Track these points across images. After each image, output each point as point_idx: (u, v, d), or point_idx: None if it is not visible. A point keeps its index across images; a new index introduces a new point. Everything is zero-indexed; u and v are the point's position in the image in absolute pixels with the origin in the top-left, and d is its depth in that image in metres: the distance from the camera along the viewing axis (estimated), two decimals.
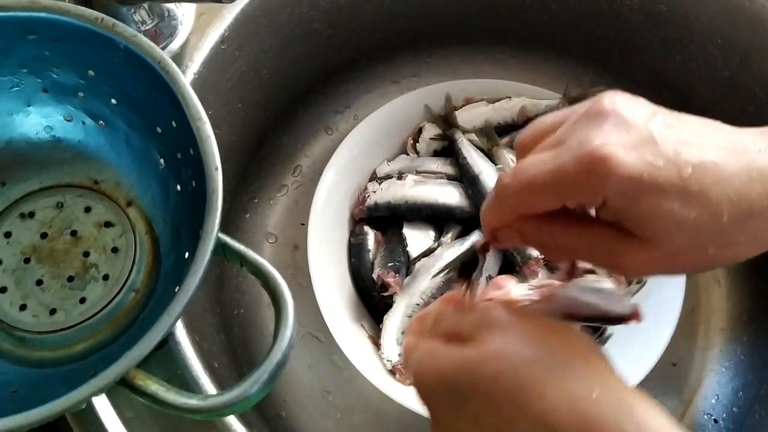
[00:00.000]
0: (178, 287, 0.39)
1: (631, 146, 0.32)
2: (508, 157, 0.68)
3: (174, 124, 0.46)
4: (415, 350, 0.37)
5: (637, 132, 0.33)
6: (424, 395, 0.36)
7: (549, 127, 0.36)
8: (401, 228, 0.68)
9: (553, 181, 0.33)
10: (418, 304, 0.60)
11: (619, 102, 0.34)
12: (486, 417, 0.33)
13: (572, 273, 0.41)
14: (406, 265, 0.65)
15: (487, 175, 0.67)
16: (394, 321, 0.62)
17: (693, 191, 0.32)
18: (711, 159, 0.33)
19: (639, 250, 0.33)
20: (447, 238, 0.66)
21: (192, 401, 0.38)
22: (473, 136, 0.71)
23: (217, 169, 0.42)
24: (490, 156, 0.70)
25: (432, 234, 0.67)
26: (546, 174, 0.33)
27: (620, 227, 0.33)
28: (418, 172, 0.70)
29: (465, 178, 0.68)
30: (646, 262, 0.34)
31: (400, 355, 0.58)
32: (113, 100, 0.51)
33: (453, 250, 0.65)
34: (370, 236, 0.68)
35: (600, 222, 0.34)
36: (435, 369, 0.35)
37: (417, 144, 0.73)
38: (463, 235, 0.68)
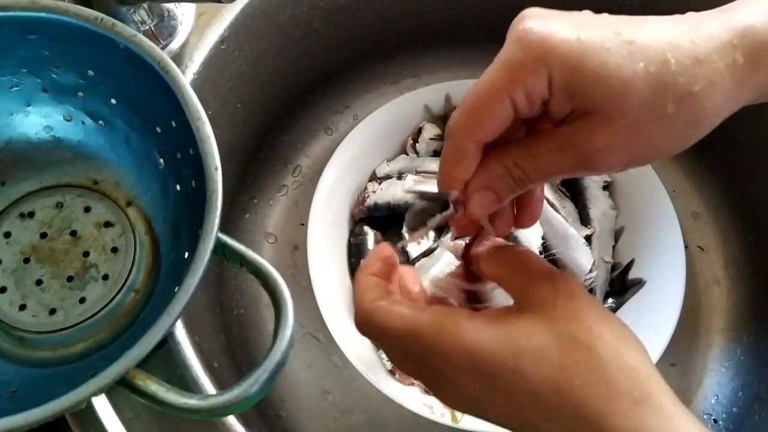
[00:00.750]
0: (177, 287, 0.39)
1: (561, 20, 0.32)
2: None
3: (174, 124, 0.46)
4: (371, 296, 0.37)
5: (564, 15, 0.33)
6: (441, 365, 0.35)
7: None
8: (401, 228, 0.68)
9: (496, 79, 0.33)
10: None
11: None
12: (518, 396, 0.33)
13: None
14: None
15: None
16: None
17: (634, 43, 0.31)
18: (643, 21, 0.33)
19: (603, 130, 0.32)
20: (447, 238, 0.66)
21: (192, 401, 0.38)
22: None
23: (216, 169, 0.42)
24: None
25: (432, 234, 0.67)
26: (486, 77, 0.33)
27: (576, 117, 0.32)
28: (417, 173, 0.70)
29: None
30: (614, 144, 0.32)
31: None
32: (113, 100, 0.51)
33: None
34: (370, 236, 0.68)
35: (558, 126, 0.34)
36: (472, 348, 0.34)
37: (417, 144, 0.73)
38: None
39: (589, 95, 0.31)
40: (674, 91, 0.31)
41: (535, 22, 0.32)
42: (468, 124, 0.34)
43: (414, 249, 0.66)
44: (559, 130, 0.33)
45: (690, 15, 0.33)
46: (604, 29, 0.32)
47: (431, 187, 0.67)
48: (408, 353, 0.36)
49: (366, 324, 0.37)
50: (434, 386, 0.36)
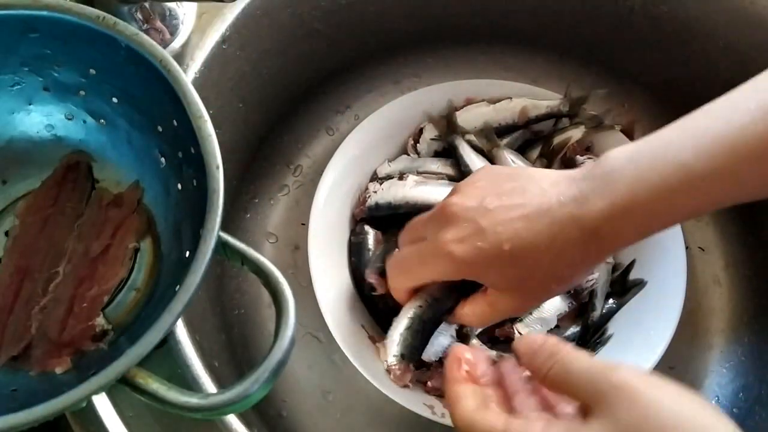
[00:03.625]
0: (178, 286, 0.39)
1: (464, 240, 0.49)
2: (509, 158, 0.68)
3: (175, 122, 0.47)
4: None
5: (469, 227, 0.49)
6: None
7: None
8: (402, 228, 0.68)
9: (423, 272, 0.54)
10: (420, 306, 0.60)
11: (456, 204, 0.50)
12: None
13: None
14: None
15: None
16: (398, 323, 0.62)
17: (510, 257, 0.47)
18: (520, 229, 0.47)
19: (487, 296, 0.52)
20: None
21: (193, 400, 0.38)
22: (473, 137, 0.71)
23: (218, 167, 0.42)
24: (490, 157, 0.70)
25: None
26: (416, 271, 0.54)
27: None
28: (419, 173, 0.70)
29: None
30: (488, 303, 0.53)
31: (395, 356, 0.59)
32: (114, 99, 0.51)
33: None
34: (371, 236, 0.67)
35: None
36: None
37: (418, 144, 0.73)
38: None
39: (485, 282, 0.52)
40: (539, 280, 0.50)
41: (450, 236, 0.50)
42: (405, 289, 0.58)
43: None
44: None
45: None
46: (493, 248, 0.48)
47: (431, 188, 0.67)
48: None
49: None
50: None
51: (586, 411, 0.36)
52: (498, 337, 0.65)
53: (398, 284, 0.57)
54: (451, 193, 0.53)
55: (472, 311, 0.54)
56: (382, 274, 0.62)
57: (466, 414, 0.40)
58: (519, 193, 0.49)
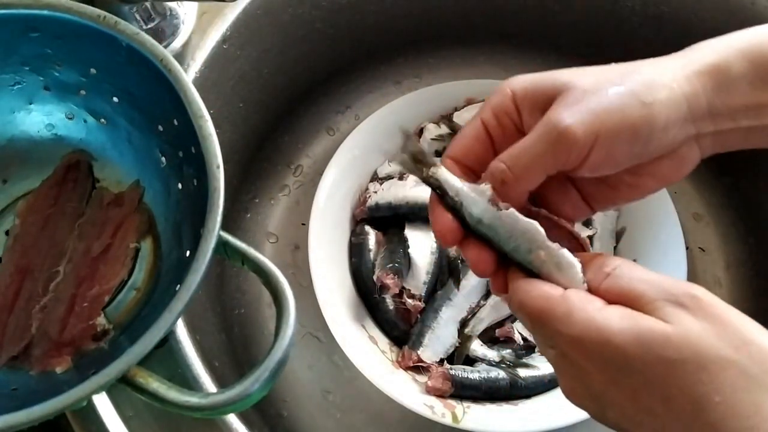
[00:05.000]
0: (179, 285, 0.39)
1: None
2: None
3: (176, 122, 0.47)
4: (568, 299, 0.34)
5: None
6: (570, 350, 0.34)
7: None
8: (403, 228, 0.68)
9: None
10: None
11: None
12: (647, 398, 0.32)
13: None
14: (407, 266, 0.65)
15: None
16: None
17: (595, 70, 0.38)
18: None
19: (558, 104, 0.36)
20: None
21: (193, 399, 0.38)
22: None
23: (218, 167, 0.42)
24: None
25: (433, 235, 0.67)
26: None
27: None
28: None
29: None
30: (579, 120, 0.35)
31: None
32: (115, 98, 0.51)
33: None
34: (371, 236, 0.68)
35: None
36: (603, 333, 0.32)
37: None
38: None
39: (550, 95, 0.37)
40: (630, 96, 0.36)
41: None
42: (452, 147, 0.40)
43: (416, 250, 0.66)
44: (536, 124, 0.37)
45: (657, 58, 0.40)
46: (571, 69, 0.38)
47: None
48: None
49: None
50: (564, 373, 0.36)
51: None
52: (498, 338, 0.65)
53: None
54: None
55: None
56: (396, 274, 0.62)
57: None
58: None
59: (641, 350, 0.31)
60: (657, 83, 0.37)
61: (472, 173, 0.39)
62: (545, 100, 0.37)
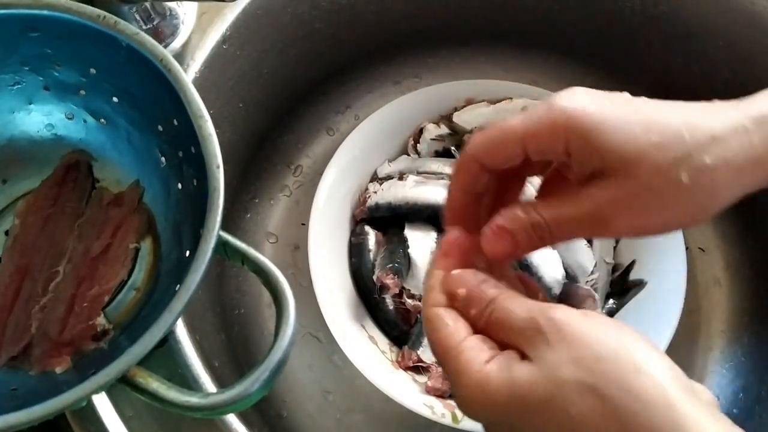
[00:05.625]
0: (178, 285, 0.39)
1: (591, 96, 0.36)
2: None
3: (175, 122, 0.47)
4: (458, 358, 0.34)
5: (598, 93, 0.36)
6: (465, 408, 0.34)
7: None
8: (403, 228, 0.68)
9: (515, 126, 0.36)
10: None
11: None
12: None
13: None
14: (407, 266, 0.65)
15: None
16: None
17: (651, 119, 0.35)
18: (665, 103, 0.36)
19: (616, 190, 0.34)
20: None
21: (193, 399, 0.38)
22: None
23: (218, 166, 0.42)
24: None
25: (434, 235, 0.67)
26: (510, 120, 0.36)
27: (595, 178, 0.35)
28: (419, 173, 0.70)
29: None
30: (628, 205, 0.34)
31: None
32: (115, 98, 0.51)
33: None
34: (371, 236, 0.68)
35: (581, 186, 0.36)
36: (486, 393, 0.33)
37: (418, 144, 0.73)
38: None
39: (605, 159, 0.34)
40: (688, 162, 0.34)
41: (566, 93, 0.36)
42: (479, 147, 0.37)
43: (416, 250, 0.66)
44: (579, 189, 0.35)
45: (711, 103, 0.37)
46: (626, 106, 0.36)
47: (431, 188, 0.67)
48: None
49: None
50: None
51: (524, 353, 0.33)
52: None
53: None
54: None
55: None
56: (396, 274, 0.62)
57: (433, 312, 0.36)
58: None
59: (516, 403, 0.32)
60: (722, 170, 0.35)
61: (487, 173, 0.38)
62: (601, 166, 0.35)
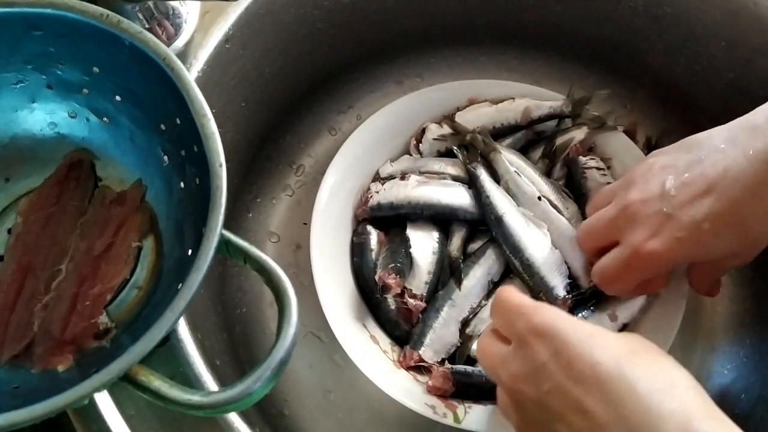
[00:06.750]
0: (181, 284, 0.39)
1: (659, 234, 0.50)
2: (507, 163, 0.67)
3: (178, 121, 0.47)
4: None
5: (658, 220, 0.50)
6: (528, 332, 0.44)
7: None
8: (404, 228, 0.68)
9: (636, 275, 0.55)
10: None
11: (635, 201, 0.52)
12: (578, 363, 0.40)
13: None
14: (409, 266, 0.65)
15: (511, 216, 0.65)
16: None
17: (714, 233, 0.49)
18: (713, 203, 0.48)
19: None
20: (453, 246, 0.66)
21: (195, 397, 0.38)
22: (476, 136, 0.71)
23: (221, 165, 0.42)
24: (488, 161, 0.69)
25: (436, 235, 0.67)
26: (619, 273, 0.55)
27: None
28: (421, 173, 0.70)
29: (488, 217, 0.66)
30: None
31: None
32: (117, 97, 0.51)
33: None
34: (373, 236, 0.67)
35: None
36: (556, 321, 0.43)
37: (420, 144, 0.73)
38: (469, 238, 0.68)
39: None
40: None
41: (644, 235, 0.52)
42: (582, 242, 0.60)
43: (418, 250, 0.66)
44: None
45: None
46: (692, 235, 0.51)
47: (434, 188, 0.67)
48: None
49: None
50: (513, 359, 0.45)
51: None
52: None
53: (618, 291, 0.58)
54: (624, 188, 0.54)
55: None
56: (398, 273, 0.62)
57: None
58: (697, 165, 0.50)
59: (571, 331, 0.42)
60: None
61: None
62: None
